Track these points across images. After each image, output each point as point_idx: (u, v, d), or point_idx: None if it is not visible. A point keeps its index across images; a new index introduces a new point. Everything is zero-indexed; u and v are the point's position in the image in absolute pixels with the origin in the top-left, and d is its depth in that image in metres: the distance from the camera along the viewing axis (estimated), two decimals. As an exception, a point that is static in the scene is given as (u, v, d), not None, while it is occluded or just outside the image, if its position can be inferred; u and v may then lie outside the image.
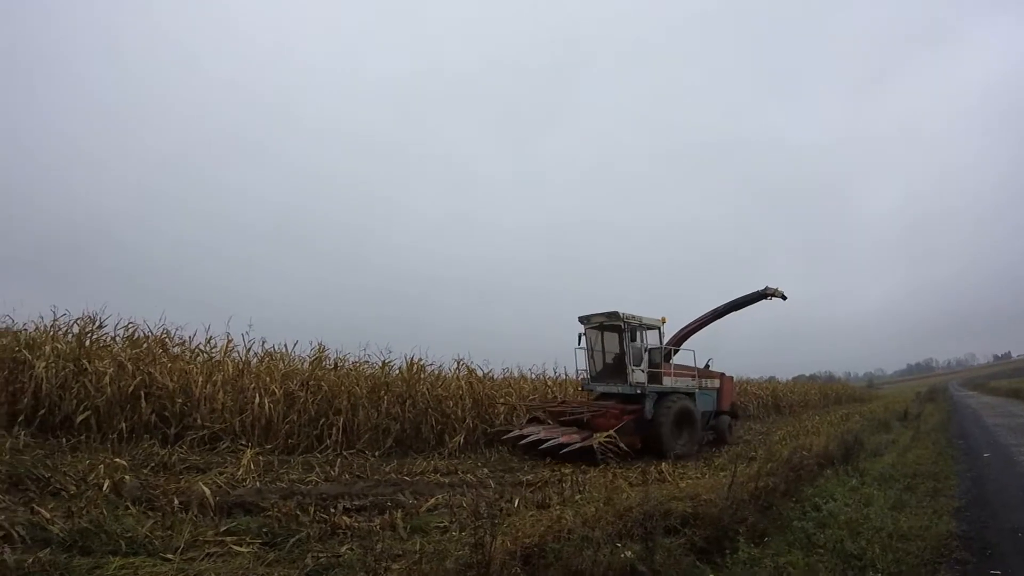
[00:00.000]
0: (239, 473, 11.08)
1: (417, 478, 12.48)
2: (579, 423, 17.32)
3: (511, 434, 17.43)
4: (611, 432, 15.94)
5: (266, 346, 16.97)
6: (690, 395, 19.54)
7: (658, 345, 19.59)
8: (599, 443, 15.34)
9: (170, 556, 7.20)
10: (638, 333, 19.15)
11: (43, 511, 7.72)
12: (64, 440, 11.70)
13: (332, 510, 9.31)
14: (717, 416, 21.26)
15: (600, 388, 19.51)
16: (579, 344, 19.24)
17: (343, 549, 7.63)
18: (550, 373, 24.14)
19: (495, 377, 21.19)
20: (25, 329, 14.71)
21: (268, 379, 15.24)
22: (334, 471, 12.19)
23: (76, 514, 7.82)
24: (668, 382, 19.15)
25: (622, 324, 18.60)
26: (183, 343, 16.11)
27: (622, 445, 15.62)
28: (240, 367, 15.51)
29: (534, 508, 9.47)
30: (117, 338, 15.20)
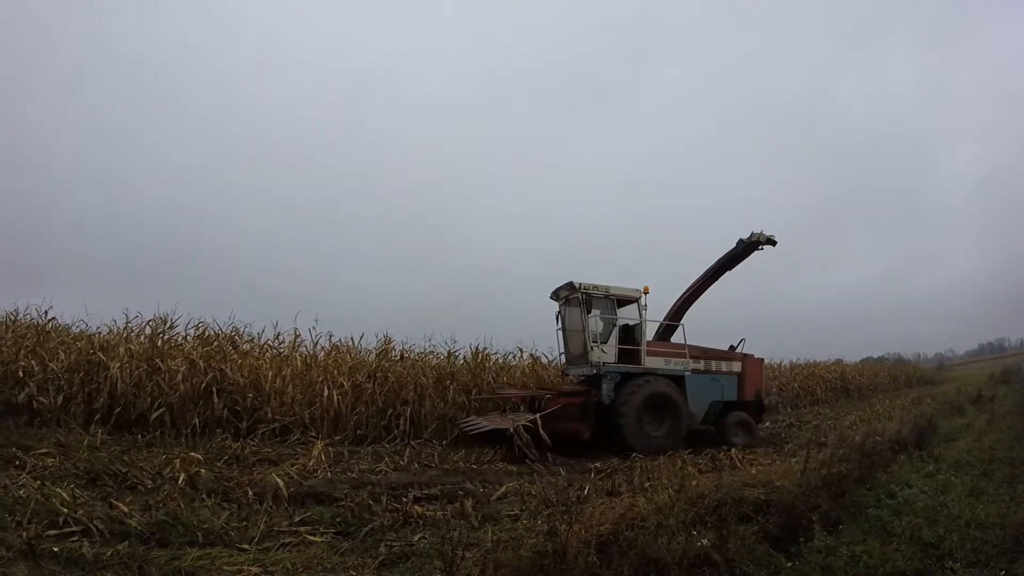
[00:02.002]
0: (310, 464, 11.18)
1: (485, 467, 12.42)
2: (536, 408, 15.43)
3: (465, 424, 15.58)
4: (534, 417, 13.98)
5: (333, 340, 17.21)
6: (675, 378, 16.55)
7: (637, 320, 16.80)
8: (513, 429, 13.53)
9: (246, 546, 7.28)
10: (605, 305, 16.52)
11: (121, 505, 7.87)
12: (139, 436, 12.03)
13: (403, 499, 9.31)
14: (733, 407, 17.45)
15: (573, 371, 17.45)
16: (557, 324, 17.48)
17: (416, 538, 7.63)
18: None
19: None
20: (99, 332, 15.31)
21: (336, 372, 15.46)
22: (403, 461, 12.21)
23: (153, 507, 7.96)
24: (652, 363, 16.50)
25: (580, 296, 16.24)
26: (252, 339, 16.56)
27: (543, 433, 13.58)
28: (308, 361, 15.78)
29: (604, 496, 9.29)
30: (188, 337, 15.67)
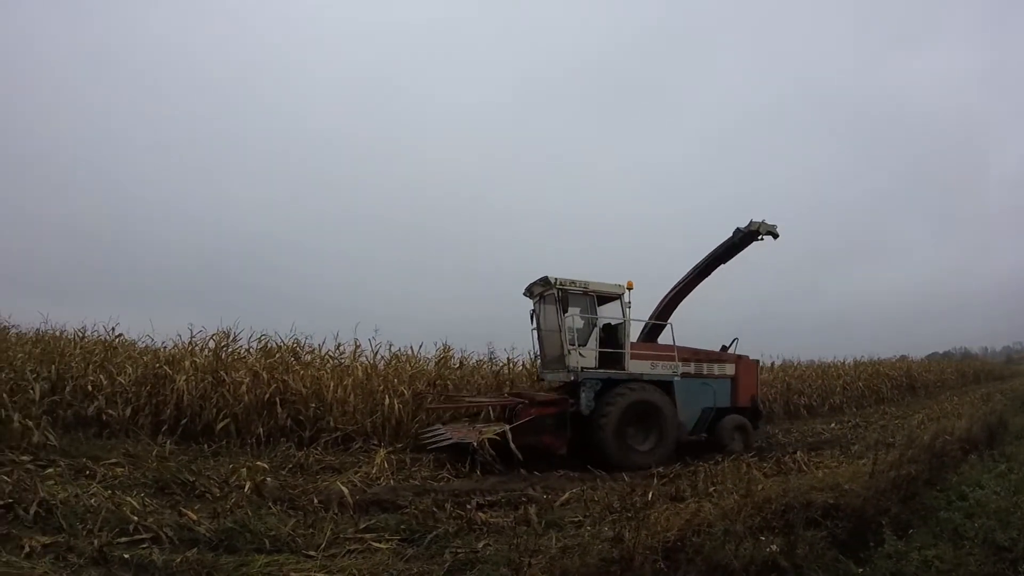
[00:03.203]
0: (373, 472, 11.22)
1: (547, 473, 12.26)
2: (509, 418, 14.29)
3: (427, 435, 14.22)
4: (503, 429, 12.79)
5: (393, 349, 17.26)
6: (662, 384, 14.92)
7: (620, 319, 15.21)
8: (477, 443, 12.38)
9: (312, 553, 7.34)
10: (584, 303, 15.05)
11: (190, 513, 7.98)
12: (206, 446, 12.23)
13: (467, 506, 9.31)
14: (727, 413, 15.94)
15: (549, 376, 15.86)
16: (532, 323, 16.07)
17: (480, 545, 7.60)
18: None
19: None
20: (164, 347, 15.75)
21: (396, 380, 15.50)
22: (464, 468, 12.11)
23: (221, 515, 8.07)
24: (637, 367, 14.94)
25: (555, 293, 14.63)
26: (313, 350, 16.75)
27: (513, 448, 12.46)
28: (368, 371, 15.87)
29: (668, 501, 9.10)
30: (251, 350, 15.87)
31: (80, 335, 16.20)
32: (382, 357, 16.77)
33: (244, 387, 13.75)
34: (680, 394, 15.12)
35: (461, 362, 17.76)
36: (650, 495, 9.76)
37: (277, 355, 15.71)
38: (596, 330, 14.96)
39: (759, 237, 16.26)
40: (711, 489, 9.93)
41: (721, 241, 16.39)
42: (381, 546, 7.66)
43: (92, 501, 7.93)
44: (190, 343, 15.59)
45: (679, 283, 16.39)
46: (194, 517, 7.82)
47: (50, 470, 9.37)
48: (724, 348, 16.85)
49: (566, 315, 14.63)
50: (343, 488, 9.64)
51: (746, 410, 16.23)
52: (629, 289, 15.10)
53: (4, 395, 10.98)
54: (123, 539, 7.05)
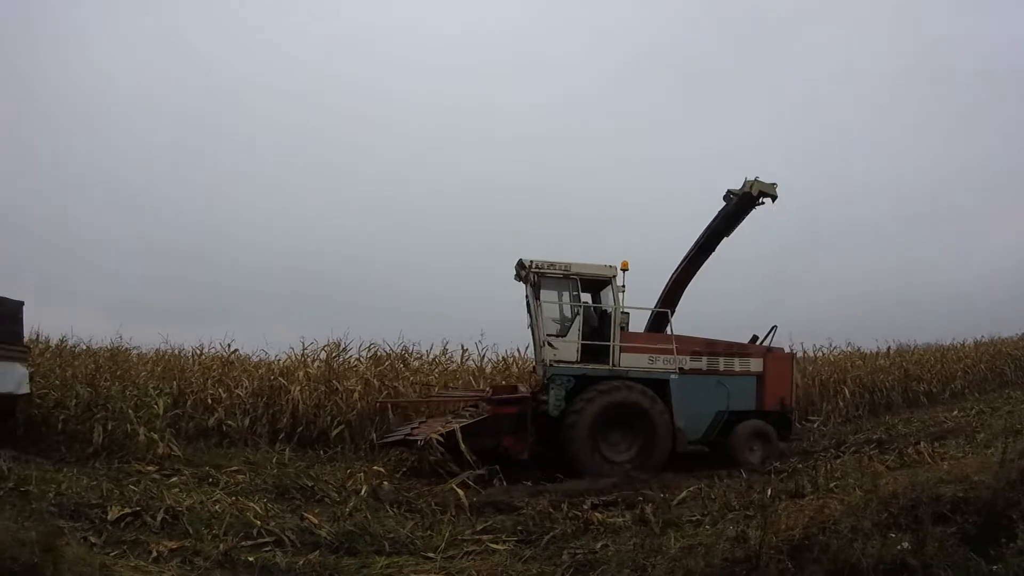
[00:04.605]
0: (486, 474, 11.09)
1: (663, 471, 11.87)
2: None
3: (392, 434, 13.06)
4: (452, 429, 11.71)
5: (499, 351, 17.09)
6: (653, 383, 12.72)
7: (612, 306, 13.16)
8: (423, 441, 11.46)
9: (431, 555, 7.36)
10: (565, 288, 13.29)
11: (311, 516, 8.12)
12: (322, 452, 12.50)
13: (583, 506, 9.12)
14: (747, 418, 13.21)
15: (540, 370, 13.59)
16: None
17: (598, 545, 7.44)
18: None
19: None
20: (278, 359, 16.08)
21: (504, 383, 15.28)
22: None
23: (341, 518, 8.16)
24: (632, 361, 12.88)
25: (531, 277, 12.95)
26: (421, 357, 16.79)
27: (463, 448, 11.37)
28: (476, 374, 16.03)
29: (787, 498, 8.62)
30: (362, 358, 16.03)
31: (198, 352, 16.86)
32: (489, 360, 16.72)
33: (356, 394, 14.04)
34: (681, 394, 12.79)
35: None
36: (768, 492, 9.29)
37: (387, 363, 15.90)
38: (578, 319, 12.93)
39: (758, 201, 13.72)
40: (832, 485, 9.38)
41: (718, 211, 13.93)
42: (498, 547, 7.62)
43: (216, 507, 8.14)
44: (303, 355, 15.93)
45: (680, 266, 14.05)
46: (315, 520, 7.94)
47: (175, 479, 9.70)
48: (754, 339, 14.08)
49: (539, 302, 13.03)
50: (459, 491, 9.63)
51: (772, 415, 13.37)
52: (623, 271, 13.03)
53: (130, 411, 11.45)
54: (247, 543, 7.19)
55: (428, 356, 16.86)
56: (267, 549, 7.10)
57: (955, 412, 18.08)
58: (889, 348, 22.44)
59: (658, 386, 12.67)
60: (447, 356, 16.88)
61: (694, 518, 8.36)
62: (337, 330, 16.10)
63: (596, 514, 8.71)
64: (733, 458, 12.47)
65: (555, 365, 12.46)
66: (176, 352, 16.99)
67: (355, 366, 15.60)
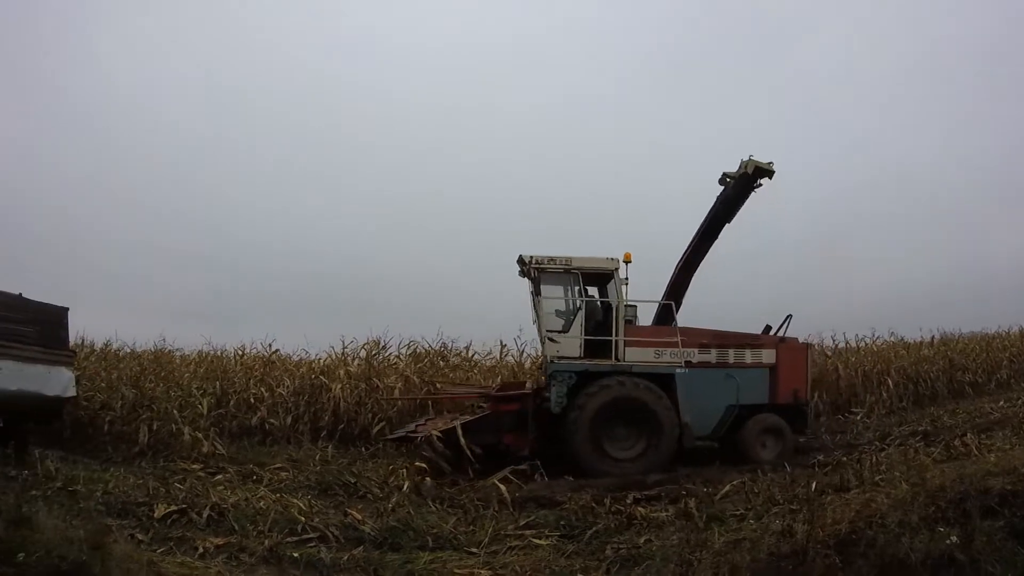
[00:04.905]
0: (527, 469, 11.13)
1: (705, 465, 11.72)
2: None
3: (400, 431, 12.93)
4: (453, 426, 11.54)
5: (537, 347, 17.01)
6: (658, 378, 12.27)
7: (615, 299, 12.81)
8: (423, 439, 11.39)
9: (474, 550, 7.37)
10: (567, 283, 13.00)
11: (354, 512, 8.16)
12: (363, 449, 12.55)
13: (626, 501, 9.06)
14: (760, 411, 12.64)
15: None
16: None
17: (641, 540, 7.39)
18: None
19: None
20: (319, 358, 16.25)
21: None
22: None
23: (384, 514, 8.22)
24: (637, 355, 12.51)
25: (531, 272, 12.65)
26: (460, 353, 16.88)
27: (464, 446, 11.17)
28: (515, 369, 16.08)
29: (832, 492, 8.44)
30: (401, 355, 16.16)
31: (240, 353, 17.02)
32: (528, 356, 16.64)
33: (396, 391, 14.15)
34: (688, 389, 12.31)
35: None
36: (813, 486, 9.12)
37: (426, 360, 16.02)
38: (580, 313, 12.65)
39: (756, 183, 13.12)
40: (877, 478, 9.18)
41: (716, 197, 13.45)
42: (541, 542, 7.60)
43: (261, 504, 8.23)
44: (343, 353, 16.06)
45: (683, 256, 13.56)
46: (359, 516, 7.98)
47: (219, 476, 9.85)
48: (768, 329, 13.64)
49: (541, 298, 12.69)
50: (501, 486, 9.60)
51: (785, 409, 12.77)
52: (626, 263, 12.63)
53: (174, 411, 11.71)
54: (292, 539, 7.25)
55: (467, 352, 16.93)
56: (311, 545, 7.17)
57: (1001, 403, 17.40)
58: (933, 337, 21.89)
59: (664, 380, 12.22)
60: (487, 352, 16.94)
61: (738, 512, 8.25)
62: (376, 329, 16.29)
63: (639, 509, 8.66)
64: (744, 454, 12.08)
65: (556, 361, 12.25)
66: (218, 353, 17.18)
67: (395, 363, 15.70)
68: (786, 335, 13.32)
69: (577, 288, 12.70)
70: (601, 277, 13.03)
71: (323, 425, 13.41)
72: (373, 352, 15.84)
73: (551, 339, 12.49)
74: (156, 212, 32.23)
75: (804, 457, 12.00)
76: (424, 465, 10.35)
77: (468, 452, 11.07)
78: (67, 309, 10.88)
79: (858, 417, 15.41)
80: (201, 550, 6.75)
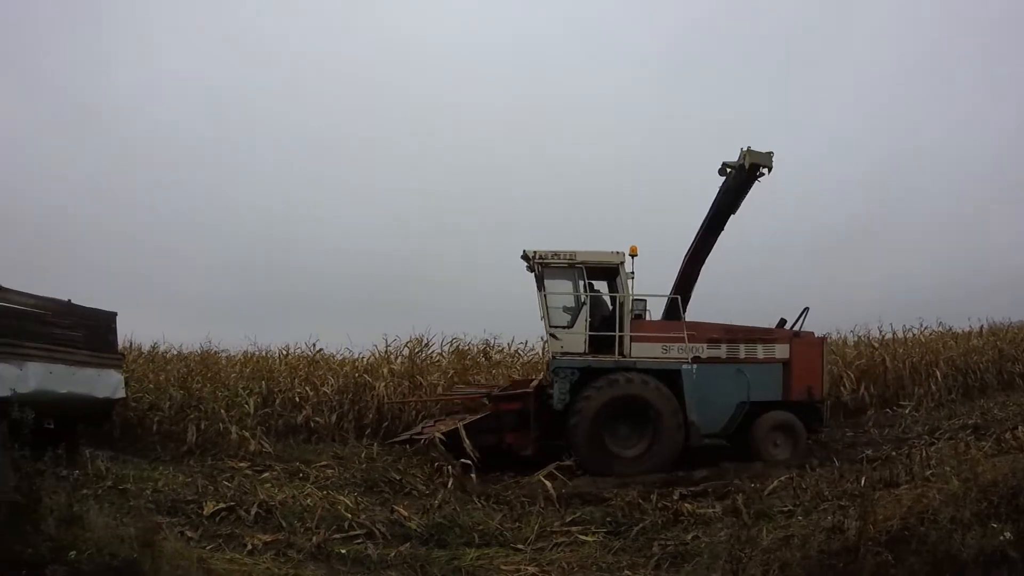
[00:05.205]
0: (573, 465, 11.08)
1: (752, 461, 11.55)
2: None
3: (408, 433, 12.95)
4: (456, 427, 11.49)
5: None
6: (663, 374, 11.94)
7: (619, 293, 12.55)
8: (426, 440, 11.43)
9: (521, 546, 7.37)
10: (571, 277, 12.67)
11: (400, 509, 8.23)
12: (408, 446, 12.38)
13: (672, 497, 9.02)
14: (773, 408, 12.19)
15: None
16: None
17: (688, 537, 7.37)
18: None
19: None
20: (362, 357, 16.32)
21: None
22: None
23: (430, 510, 8.29)
24: (644, 350, 12.22)
25: (535, 268, 12.44)
26: (503, 349, 16.91)
27: (467, 446, 10.95)
28: None
29: (881, 487, 8.25)
30: (444, 353, 16.20)
31: (284, 353, 17.09)
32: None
33: (440, 388, 14.23)
34: (696, 385, 11.97)
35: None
36: (862, 481, 8.91)
37: (469, 356, 16.10)
38: (585, 308, 12.47)
39: (757, 174, 12.50)
40: (928, 473, 8.94)
41: (719, 188, 12.93)
42: (588, 539, 7.60)
43: (308, 501, 8.31)
44: (386, 351, 16.13)
45: (689, 249, 13.09)
46: (405, 513, 8.06)
47: (266, 474, 9.93)
48: (782, 323, 13.17)
49: (542, 293, 12.45)
50: (546, 482, 9.61)
51: (799, 405, 12.29)
52: (632, 255, 12.35)
53: (222, 410, 11.87)
54: (339, 535, 7.33)
55: (510, 348, 16.94)
56: (359, 541, 7.24)
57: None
58: (982, 327, 21.26)
59: (669, 377, 11.91)
60: (528, 347, 16.88)
61: (786, 508, 8.14)
62: (419, 327, 16.31)
63: (686, 505, 8.59)
64: (755, 453, 11.71)
65: (558, 357, 12.09)
66: (263, 353, 17.36)
67: (438, 361, 15.78)
68: (802, 329, 12.92)
69: (582, 283, 12.49)
70: (607, 271, 12.78)
71: (367, 423, 13.47)
72: (416, 350, 15.88)
73: (553, 335, 12.37)
74: (195, 221, 32.65)
75: (852, 451, 11.75)
76: (468, 462, 10.34)
77: (472, 453, 10.86)
78: (115, 314, 11.08)
79: (906, 410, 15.04)
80: (250, 547, 6.84)
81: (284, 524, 7.56)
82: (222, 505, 8.00)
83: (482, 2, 47.18)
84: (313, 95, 37.49)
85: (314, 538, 7.03)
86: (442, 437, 11.19)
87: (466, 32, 41.72)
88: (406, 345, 16.07)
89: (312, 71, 39.83)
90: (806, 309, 12.99)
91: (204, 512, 7.81)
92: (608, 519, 8.21)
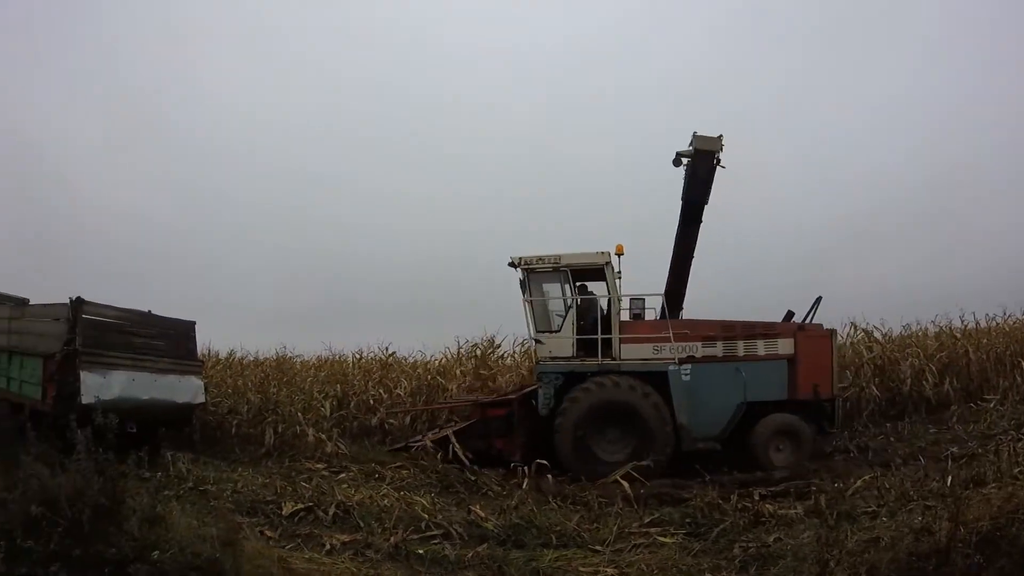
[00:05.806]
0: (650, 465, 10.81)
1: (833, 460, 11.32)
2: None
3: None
4: (446, 433, 11.57)
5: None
6: (650, 376, 11.47)
7: (606, 295, 12.30)
8: (419, 446, 11.36)
9: (599, 548, 7.28)
10: (557, 281, 12.34)
11: (477, 510, 8.22)
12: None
13: (754, 498, 8.71)
14: (777, 409, 11.48)
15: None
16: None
17: (771, 539, 7.14)
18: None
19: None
20: (434, 359, 16.52)
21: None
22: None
23: (507, 511, 8.25)
24: (634, 352, 11.80)
25: (521, 274, 12.27)
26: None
27: (458, 449, 10.95)
28: None
29: (970, 486, 7.84)
30: (515, 353, 16.17)
31: (358, 356, 17.37)
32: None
33: (511, 388, 14.07)
34: (686, 386, 11.48)
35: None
36: (948, 480, 8.48)
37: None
38: (571, 312, 12.17)
39: (715, 160, 12.02)
40: (1016, 471, 8.45)
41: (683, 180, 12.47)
42: (667, 540, 7.46)
43: (384, 502, 8.36)
44: (458, 353, 16.24)
45: (675, 250, 12.60)
46: (481, 514, 8.04)
47: (343, 475, 10.02)
48: (790, 315, 12.49)
49: (527, 299, 12.30)
50: (624, 482, 9.50)
51: (806, 405, 11.54)
52: (619, 255, 12.15)
53: (299, 413, 12.09)
54: (416, 536, 7.35)
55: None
56: (436, 542, 7.24)
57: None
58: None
59: (656, 379, 11.47)
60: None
61: (869, 509, 7.85)
62: (490, 328, 16.27)
63: (767, 505, 8.34)
64: (755, 458, 11.05)
65: (542, 363, 12.00)
66: (337, 358, 17.60)
67: (508, 362, 15.85)
68: (812, 321, 12.25)
69: (567, 286, 12.21)
70: (594, 272, 12.39)
71: (440, 424, 13.39)
72: (487, 351, 15.92)
73: (537, 340, 12.24)
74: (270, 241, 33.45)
75: (937, 449, 11.13)
76: (544, 462, 10.24)
77: (463, 458, 10.86)
78: (194, 323, 11.43)
79: (991, 404, 14.36)
80: (328, 547, 6.91)
81: (362, 524, 7.62)
82: (300, 505, 8.11)
83: (482, 2, 47.54)
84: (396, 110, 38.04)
85: (392, 538, 7.07)
86: (432, 444, 11.30)
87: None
88: (475, 347, 16.11)
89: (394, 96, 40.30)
90: (818, 299, 12.37)
91: (283, 512, 7.93)
92: (687, 520, 8.05)
